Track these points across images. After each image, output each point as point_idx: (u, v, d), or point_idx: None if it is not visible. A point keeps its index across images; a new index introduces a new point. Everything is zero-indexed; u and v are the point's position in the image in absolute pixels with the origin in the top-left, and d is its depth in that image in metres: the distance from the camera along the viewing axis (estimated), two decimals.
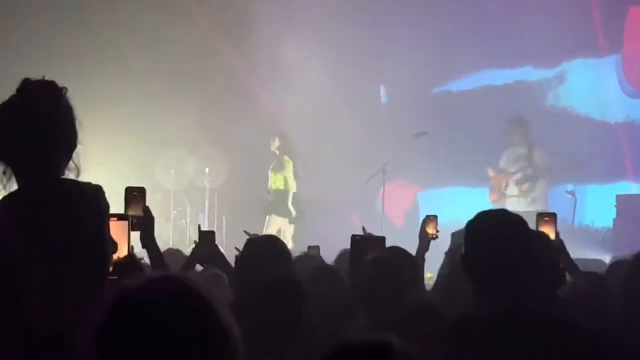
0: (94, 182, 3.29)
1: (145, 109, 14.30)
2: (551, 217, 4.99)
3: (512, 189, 11.66)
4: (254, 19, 14.22)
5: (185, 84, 14.31)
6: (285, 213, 12.94)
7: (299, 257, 5.64)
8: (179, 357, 1.85)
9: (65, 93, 3.23)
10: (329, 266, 5.32)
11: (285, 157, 13.08)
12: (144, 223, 4.10)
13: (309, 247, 6.76)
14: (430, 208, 10.81)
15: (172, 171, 14.50)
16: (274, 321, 3.80)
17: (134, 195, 4.11)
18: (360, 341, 1.82)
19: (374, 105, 15.15)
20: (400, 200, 14.19)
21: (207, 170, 14.55)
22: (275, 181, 13.11)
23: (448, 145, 13.21)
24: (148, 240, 4.16)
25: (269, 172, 13.17)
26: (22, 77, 3.22)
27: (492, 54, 13.58)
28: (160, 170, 14.52)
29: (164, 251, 6.05)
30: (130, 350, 1.84)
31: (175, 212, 14.63)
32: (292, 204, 12.93)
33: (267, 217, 13.02)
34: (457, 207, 12.98)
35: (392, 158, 11.88)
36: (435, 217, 5.91)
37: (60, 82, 3.23)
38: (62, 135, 3.23)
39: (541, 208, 10.62)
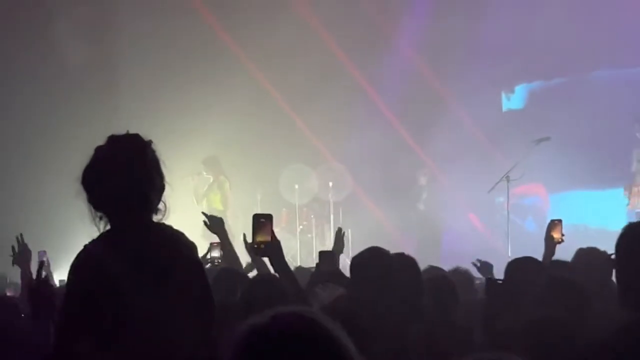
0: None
1: (268, 124, 14.57)
2: None
3: None
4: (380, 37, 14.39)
5: (309, 99, 14.49)
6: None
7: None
8: None
9: (150, 144, 3.46)
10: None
11: (222, 178, 13.70)
12: (272, 249, 4.18)
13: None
14: (557, 213, 10.66)
15: (296, 186, 14.70)
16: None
17: (261, 222, 4.18)
18: None
19: (495, 110, 15.04)
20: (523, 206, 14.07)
21: (330, 184, 14.69)
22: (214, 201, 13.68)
23: (572, 149, 13.04)
24: (278, 265, 4.25)
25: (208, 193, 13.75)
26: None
27: (614, 51, 13.34)
28: (284, 186, 14.74)
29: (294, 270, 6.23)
30: None
31: (301, 227, 14.80)
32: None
33: None
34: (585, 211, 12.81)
35: (515, 164, 11.76)
36: (560, 221, 5.87)
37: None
38: (151, 181, 3.44)
39: None
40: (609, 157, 12.62)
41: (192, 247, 3.48)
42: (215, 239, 8.39)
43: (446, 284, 4.87)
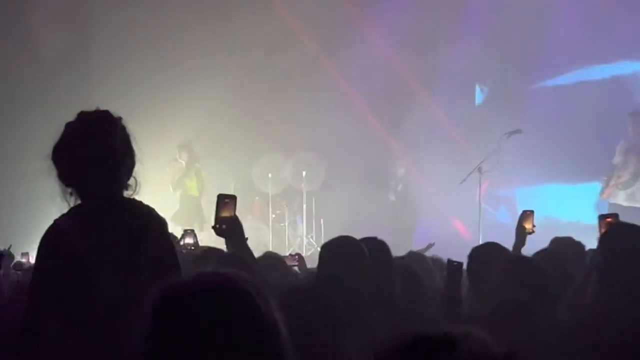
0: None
1: (243, 113, 14.57)
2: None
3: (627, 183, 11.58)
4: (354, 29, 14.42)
5: (282, 89, 14.51)
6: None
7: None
8: (221, 355, 1.83)
9: (120, 121, 3.46)
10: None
11: (197, 165, 13.88)
12: (233, 230, 4.17)
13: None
14: (526, 205, 10.74)
15: (270, 175, 14.70)
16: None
17: (226, 202, 4.18)
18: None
19: (469, 104, 15.12)
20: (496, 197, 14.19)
21: (304, 173, 14.71)
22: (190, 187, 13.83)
23: (543, 143, 13.15)
24: (238, 247, 4.23)
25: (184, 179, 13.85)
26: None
27: (588, 49, 13.44)
28: (257, 175, 14.75)
29: (263, 254, 6.23)
30: (173, 343, 1.84)
31: (273, 215, 14.82)
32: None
33: None
34: (552, 204, 12.91)
35: (487, 156, 11.83)
36: (532, 212, 5.89)
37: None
38: (121, 158, 3.43)
39: None
40: (586, 152, 12.71)
41: (162, 222, 3.46)
42: (189, 226, 8.33)
43: (414, 273, 4.89)
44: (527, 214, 5.88)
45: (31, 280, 3.42)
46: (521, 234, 5.77)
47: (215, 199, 4.20)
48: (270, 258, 6.21)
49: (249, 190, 14.67)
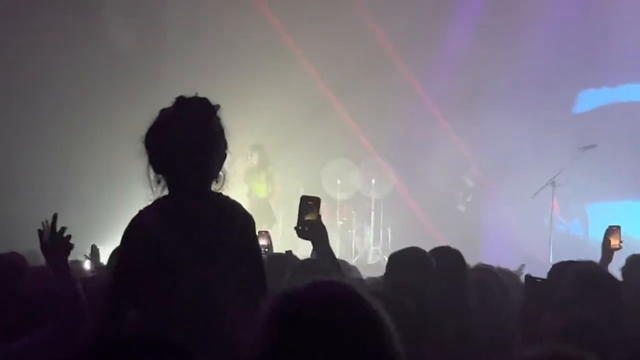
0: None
1: (313, 117, 14.57)
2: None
3: None
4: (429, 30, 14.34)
5: (356, 92, 14.47)
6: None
7: None
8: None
9: (217, 109, 3.39)
10: None
11: (270, 168, 13.71)
12: (317, 232, 4.08)
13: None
14: (599, 221, 10.58)
15: (339, 181, 14.67)
16: None
17: (309, 204, 4.10)
18: None
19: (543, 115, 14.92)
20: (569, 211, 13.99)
21: (373, 181, 14.66)
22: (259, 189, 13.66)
23: (617, 158, 12.93)
24: (322, 250, 4.14)
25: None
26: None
27: None
28: (326, 180, 14.72)
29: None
30: (296, 353, 1.84)
31: (341, 222, 14.79)
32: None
33: None
34: (625, 221, 12.64)
35: (561, 170, 11.68)
36: (618, 227, 5.74)
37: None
38: (216, 148, 3.39)
39: None
40: None
41: (248, 219, 3.40)
42: (263, 227, 8.26)
43: (485, 284, 4.82)
44: (613, 230, 5.74)
45: (113, 270, 3.41)
46: (607, 250, 5.65)
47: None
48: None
49: (317, 195, 14.63)
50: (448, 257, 4.44)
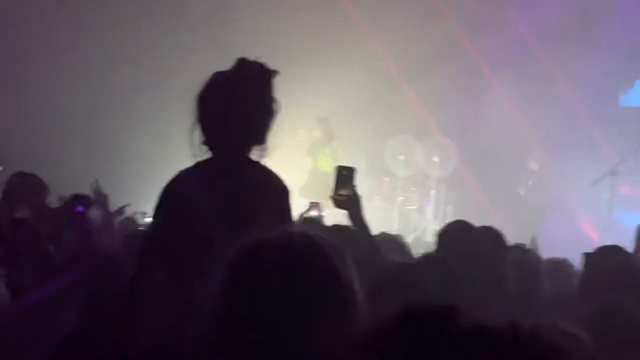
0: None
1: (381, 93, 14.60)
2: None
3: None
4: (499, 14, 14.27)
5: (423, 70, 14.46)
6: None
7: None
8: (296, 307, 1.86)
9: (274, 75, 3.38)
10: None
11: (335, 143, 13.82)
12: (351, 201, 4.14)
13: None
14: None
15: (402, 157, 14.73)
16: None
17: (344, 174, 4.14)
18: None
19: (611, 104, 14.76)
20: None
21: (436, 159, 14.68)
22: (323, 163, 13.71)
23: None
24: (356, 219, 4.20)
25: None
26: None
27: None
28: (389, 156, 14.77)
29: (378, 236, 6.28)
30: (248, 294, 1.88)
31: (401, 198, 14.84)
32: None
33: None
34: None
35: (624, 159, 11.55)
36: None
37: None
38: (265, 115, 3.42)
39: None
40: None
41: (283, 189, 3.43)
42: (314, 199, 8.38)
43: (532, 268, 4.86)
44: None
45: (147, 228, 3.51)
46: None
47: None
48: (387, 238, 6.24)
49: (379, 170, 14.75)
50: (489, 236, 4.50)
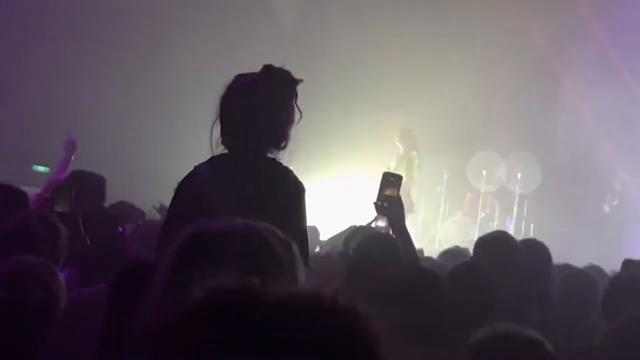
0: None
1: (466, 109, 14.53)
2: None
3: None
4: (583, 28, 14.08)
5: (508, 88, 14.35)
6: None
7: None
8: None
9: (298, 84, 3.47)
10: None
11: (413, 153, 13.53)
12: (393, 208, 4.17)
13: None
14: None
15: (484, 173, 14.63)
16: None
17: (391, 180, 4.19)
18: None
19: None
20: None
21: (519, 175, 14.53)
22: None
23: None
24: (396, 226, 4.24)
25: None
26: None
27: None
28: (472, 171, 14.68)
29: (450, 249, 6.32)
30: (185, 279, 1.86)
31: (483, 214, 14.72)
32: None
33: None
34: None
35: None
36: None
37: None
38: (283, 119, 3.49)
39: None
40: None
41: (298, 187, 3.49)
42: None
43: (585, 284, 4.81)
44: None
45: (164, 221, 3.64)
46: None
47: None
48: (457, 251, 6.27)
49: (461, 185, 14.69)
50: (535, 249, 4.49)
